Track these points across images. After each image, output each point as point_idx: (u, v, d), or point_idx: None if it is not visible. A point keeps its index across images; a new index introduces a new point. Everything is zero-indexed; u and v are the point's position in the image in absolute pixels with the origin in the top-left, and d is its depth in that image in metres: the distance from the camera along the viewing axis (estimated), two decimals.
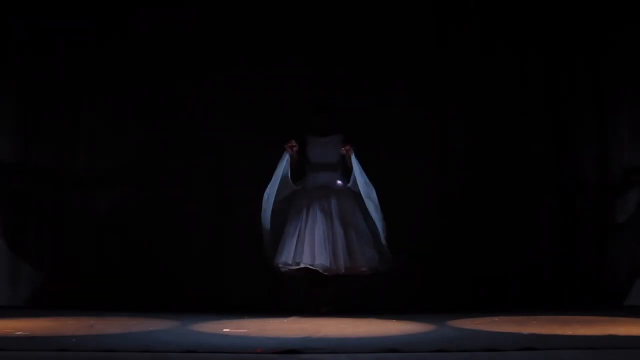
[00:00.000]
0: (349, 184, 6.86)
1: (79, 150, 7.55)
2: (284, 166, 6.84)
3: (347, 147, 6.79)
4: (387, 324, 6.04)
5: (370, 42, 7.49)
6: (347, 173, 6.90)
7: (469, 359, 4.56)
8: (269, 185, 6.80)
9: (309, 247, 6.71)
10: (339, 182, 6.96)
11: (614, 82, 7.52)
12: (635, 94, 7.49)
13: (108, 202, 7.53)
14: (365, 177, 6.80)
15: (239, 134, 7.46)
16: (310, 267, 6.65)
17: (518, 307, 7.03)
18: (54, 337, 5.25)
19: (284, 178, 6.85)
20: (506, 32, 7.58)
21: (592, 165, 7.54)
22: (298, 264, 6.67)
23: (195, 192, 7.52)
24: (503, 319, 6.26)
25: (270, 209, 6.82)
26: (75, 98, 7.54)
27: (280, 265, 6.75)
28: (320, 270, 6.63)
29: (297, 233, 6.78)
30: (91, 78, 7.53)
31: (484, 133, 7.54)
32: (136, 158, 7.55)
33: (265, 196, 6.81)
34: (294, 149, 6.85)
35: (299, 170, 6.99)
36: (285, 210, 6.92)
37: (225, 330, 5.69)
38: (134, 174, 7.54)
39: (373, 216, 6.78)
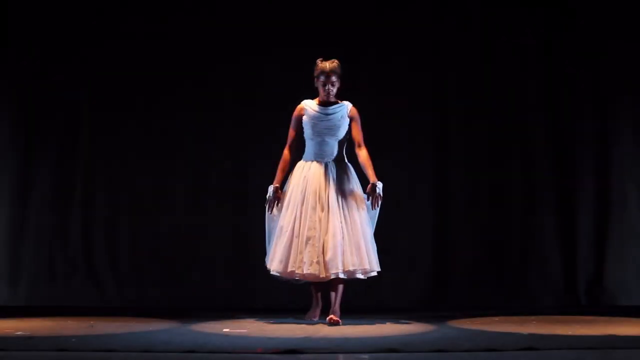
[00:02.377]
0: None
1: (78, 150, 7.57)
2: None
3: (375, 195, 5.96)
4: (387, 324, 6.04)
5: (368, 37, 7.49)
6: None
7: (469, 359, 4.56)
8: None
9: (297, 252, 5.99)
10: (344, 162, 6.19)
11: (614, 85, 7.52)
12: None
13: (109, 202, 7.53)
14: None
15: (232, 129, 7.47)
16: (301, 277, 6.02)
17: (518, 307, 7.03)
18: (54, 337, 5.24)
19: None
20: (506, 32, 7.57)
21: (591, 164, 7.53)
22: (292, 272, 5.99)
23: (195, 192, 7.51)
24: (503, 319, 6.26)
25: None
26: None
27: (272, 273, 6.12)
28: (311, 279, 6.02)
29: (290, 233, 6.04)
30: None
31: (484, 134, 7.53)
32: (135, 158, 7.55)
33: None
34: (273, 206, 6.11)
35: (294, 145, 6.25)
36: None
37: (225, 330, 5.69)
38: (133, 173, 7.54)
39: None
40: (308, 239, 5.97)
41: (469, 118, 7.53)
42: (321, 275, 5.92)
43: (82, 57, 7.53)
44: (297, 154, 6.27)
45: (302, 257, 5.94)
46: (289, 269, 5.99)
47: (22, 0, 7.54)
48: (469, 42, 7.56)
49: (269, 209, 6.13)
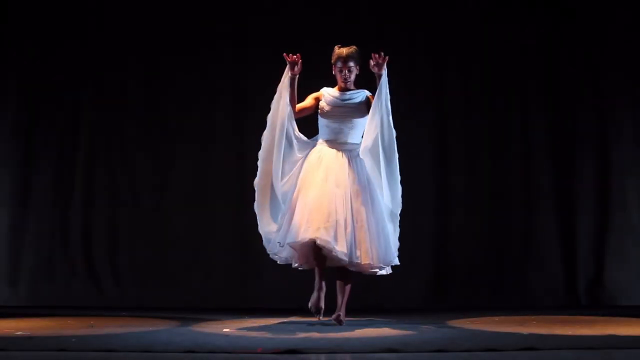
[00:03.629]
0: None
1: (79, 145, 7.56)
2: (285, 104, 5.72)
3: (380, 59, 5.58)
4: (387, 324, 6.03)
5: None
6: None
7: (469, 359, 4.55)
8: (263, 137, 5.83)
9: (303, 218, 5.60)
10: (358, 151, 5.89)
11: (614, 85, 7.53)
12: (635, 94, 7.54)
13: (109, 202, 7.53)
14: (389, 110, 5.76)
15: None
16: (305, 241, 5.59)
17: (518, 307, 7.04)
18: (54, 337, 5.24)
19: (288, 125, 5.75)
20: (506, 32, 7.58)
21: (591, 164, 7.53)
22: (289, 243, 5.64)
23: (195, 192, 7.51)
24: (503, 319, 6.26)
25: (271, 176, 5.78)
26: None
27: (271, 254, 5.87)
28: (323, 244, 5.56)
29: (291, 205, 5.73)
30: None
31: (484, 134, 7.54)
32: (135, 158, 7.55)
33: (261, 156, 5.81)
34: (297, 66, 5.69)
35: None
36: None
37: (225, 330, 5.69)
38: (133, 173, 7.54)
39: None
40: (325, 207, 5.63)
41: (469, 118, 7.53)
42: (340, 251, 5.57)
43: (82, 57, 7.54)
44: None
45: (317, 223, 5.58)
46: (300, 237, 5.60)
47: (22, 0, 7.55)
48: (469, 42, 7.56)
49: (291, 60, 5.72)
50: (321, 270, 5.78)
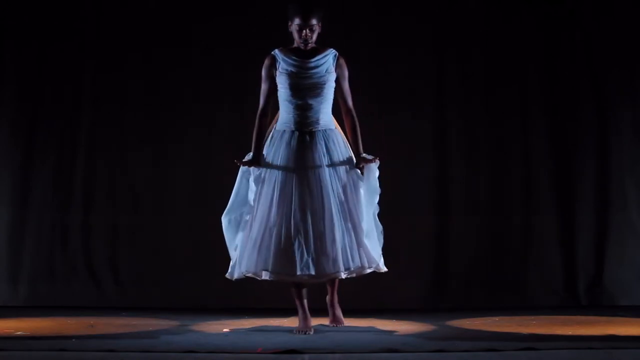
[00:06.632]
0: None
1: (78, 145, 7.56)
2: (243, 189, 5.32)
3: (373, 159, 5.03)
4: (387, 324, 6.04)
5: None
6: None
7: (469, 359, 4.56)
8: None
9: (276, 249, 5.16)
10: (332, 129, 5.18)
11: (615, 85, 7.53)
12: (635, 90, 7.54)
13: (109, 202, 7.53)
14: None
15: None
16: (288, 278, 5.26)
17: (518, 307, 7.04)
18: (54, 337, 5.25)
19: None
20: (506, 30, 7.58)
21: (592, 164, 7.53)
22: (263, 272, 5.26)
23: (195, 192, 7.51)
24: (503, 319, 6.26)
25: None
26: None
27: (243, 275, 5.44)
28: (305, 280, 5.26)
29: (264, 228, 5.15)
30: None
31: (484, 134, 7.53)
32: (136, 157, 7.55)
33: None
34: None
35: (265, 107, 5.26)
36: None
37: (225, 330, 5.69)
38: (134, 173, 7.54)
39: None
40: (297, 233, 5.13)
41: (469, 117, 7.53)
42: (325, 275, 5.27)
43: (81, 56, 7.53)
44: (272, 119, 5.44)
45: (289, 256, 5.16)
46: (262, 269, 5.24)
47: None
48: (469, 42, 7.56)
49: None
50: (301, 294, 5.43)
